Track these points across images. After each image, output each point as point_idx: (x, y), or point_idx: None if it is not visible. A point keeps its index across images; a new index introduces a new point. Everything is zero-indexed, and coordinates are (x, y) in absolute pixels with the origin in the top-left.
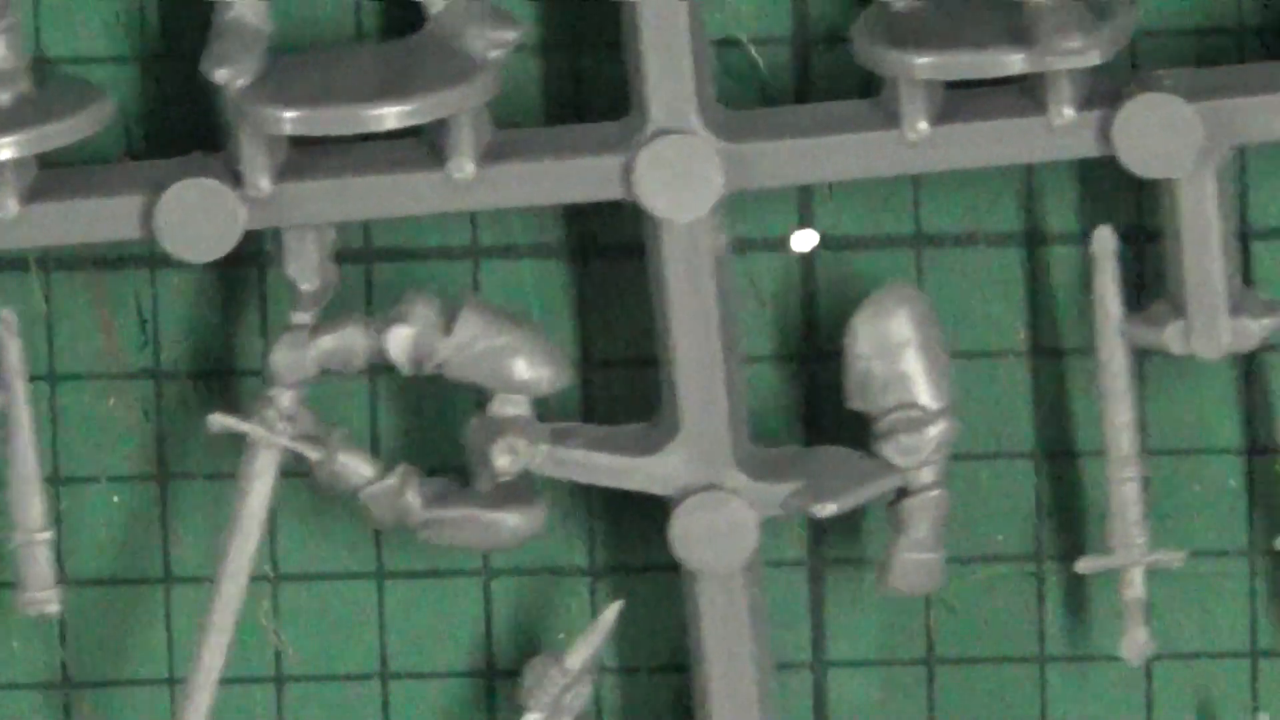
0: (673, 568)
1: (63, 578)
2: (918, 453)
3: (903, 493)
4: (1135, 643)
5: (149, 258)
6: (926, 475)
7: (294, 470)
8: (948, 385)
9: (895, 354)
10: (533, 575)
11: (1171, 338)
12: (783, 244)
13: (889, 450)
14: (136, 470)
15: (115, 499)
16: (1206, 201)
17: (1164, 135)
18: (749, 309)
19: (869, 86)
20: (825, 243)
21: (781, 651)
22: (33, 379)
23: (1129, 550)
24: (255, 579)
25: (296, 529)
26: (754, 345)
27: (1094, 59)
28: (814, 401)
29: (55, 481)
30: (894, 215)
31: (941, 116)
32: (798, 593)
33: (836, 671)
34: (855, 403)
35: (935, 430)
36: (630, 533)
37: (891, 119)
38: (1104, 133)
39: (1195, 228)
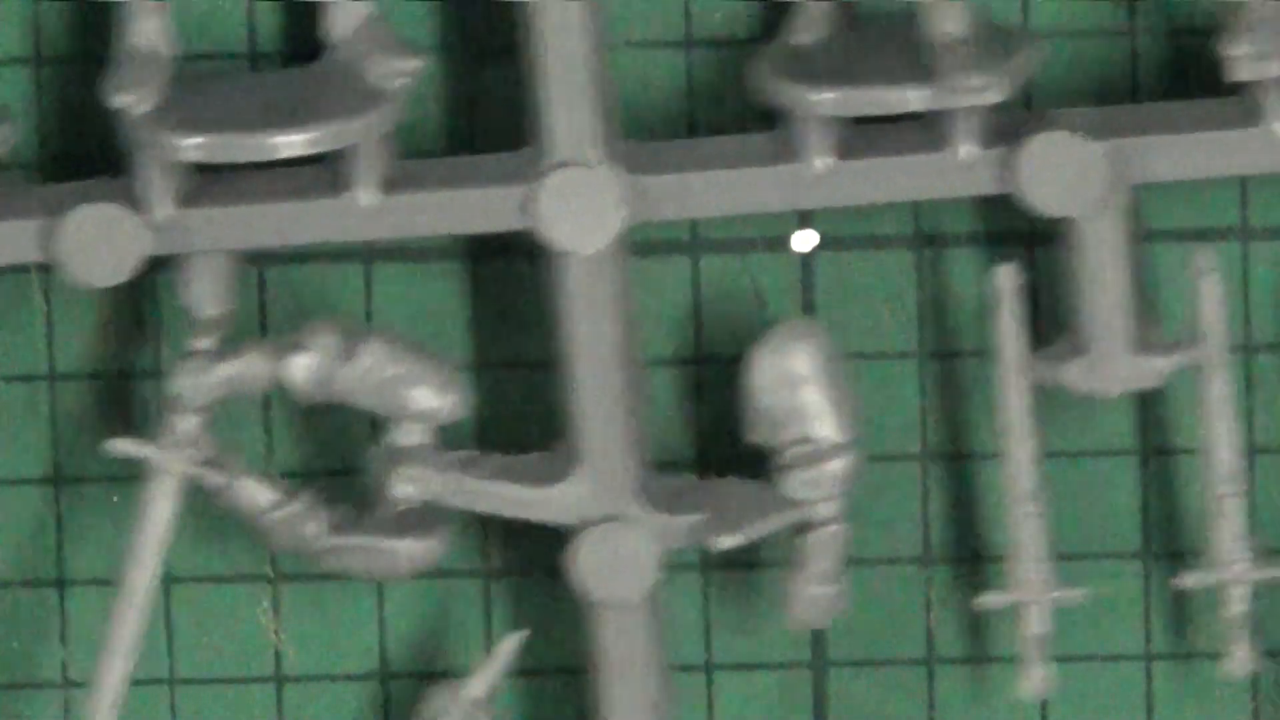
0: None
1: (63, 577)
2: (818, 487)
3: (804, 526)
4: (1033, 679)
5: (149, 258)
6: (827, 509)
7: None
8: (850, 420)
9: (794, 388)
10: (533, 576)
11: (1072, 375)
12: (783, 244)
13: (789, 484)
14: (136, 470)
15: (115, 499)
16: (1108, 240)
17: (1067, 173)
18: (749, 309)
19: None
20: (825, 243)
21: (782, 651)
22: (33, 379)
23: (1029, 587)
24: (255, 579)
25: None
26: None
27: (995, 96)
28: None
29: (55, 481)
30: (894, 215)
31: (843, 151)
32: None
33: (836, 671)
34: (754, 436)
35: (836, 465)
36: None
37: (793, 153)
38: (1007, 170)
39: (1097, 267)
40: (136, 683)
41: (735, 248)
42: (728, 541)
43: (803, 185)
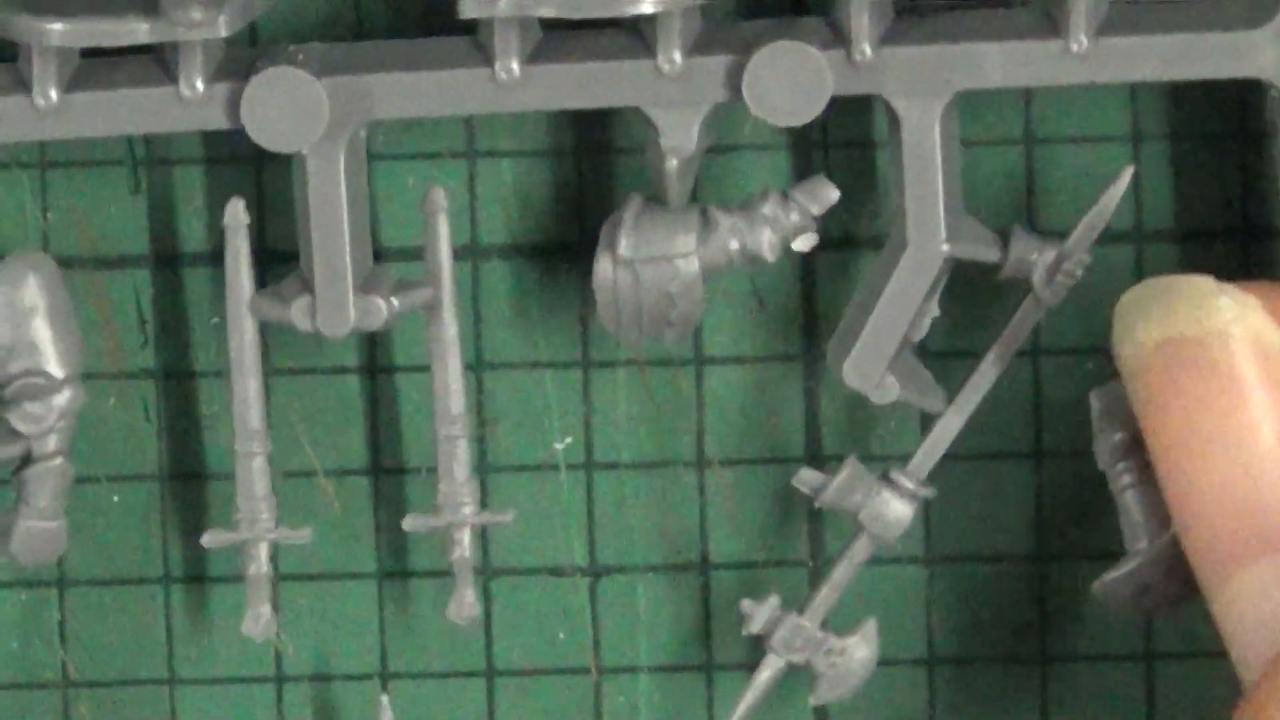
0: None
1: (63, 577)
2: (42, 421)
3: (26, 460)
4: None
5: (149, 257)
6: (50, 444)
7: (298, 470)
8: (75, 354)
9: (24, 321)
10: (533, 574)
11: (298, 314)
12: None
13: (14, 417)
14: (136, 470)
15: (115, 499)
16: (333, 176)
17: (291, 110)
18: (749, 309)
19: None
20: (825, 243)
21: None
22: None
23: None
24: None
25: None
26: (754, 345)
27: (219, 32)
28: (814, 401)
29: None
30: (889, 215)
31: (74, 84)
32: (798, 593)
33: None
34: None
35: (60, 399)
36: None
37: (23, 84)
38: (234, 105)
39: (322, 203)
40: (134, 683)
41: None
42: None
43: (31, 117)
